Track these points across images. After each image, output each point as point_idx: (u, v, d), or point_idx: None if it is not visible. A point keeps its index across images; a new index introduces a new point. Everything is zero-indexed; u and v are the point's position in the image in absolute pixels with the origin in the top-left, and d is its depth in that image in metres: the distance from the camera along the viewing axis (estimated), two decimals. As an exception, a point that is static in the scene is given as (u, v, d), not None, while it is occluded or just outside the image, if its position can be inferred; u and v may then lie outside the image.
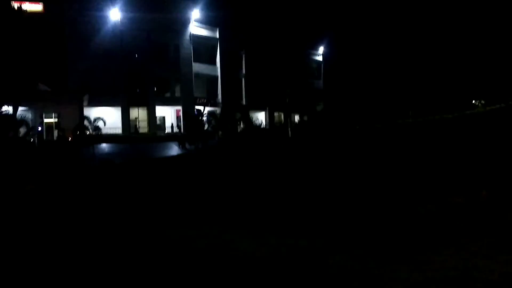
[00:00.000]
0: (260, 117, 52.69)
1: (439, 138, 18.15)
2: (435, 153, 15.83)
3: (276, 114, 57.79)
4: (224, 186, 15.09)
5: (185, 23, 47.67)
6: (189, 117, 34.27)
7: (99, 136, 32.34)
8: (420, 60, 50.02)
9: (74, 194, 15.59)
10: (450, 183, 11.66)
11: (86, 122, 30.61)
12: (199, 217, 9.92)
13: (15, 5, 34.90)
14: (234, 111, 47.60)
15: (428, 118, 24.96)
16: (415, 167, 14.49)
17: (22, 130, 31.73)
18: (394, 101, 45.77)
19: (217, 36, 51.25)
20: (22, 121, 30.30)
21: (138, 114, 45.89)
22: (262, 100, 53.24)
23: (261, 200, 11.71)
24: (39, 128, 37.51)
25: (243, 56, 54.24)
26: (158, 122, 47.03)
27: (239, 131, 46.86)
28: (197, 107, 46.60)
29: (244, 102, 53.25)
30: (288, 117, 58.77)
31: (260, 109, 54.59)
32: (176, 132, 45.10)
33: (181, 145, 29.08)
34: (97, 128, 29.67)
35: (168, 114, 48.04)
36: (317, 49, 65.07)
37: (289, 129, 40.94)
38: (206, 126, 32.96)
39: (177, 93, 48.23)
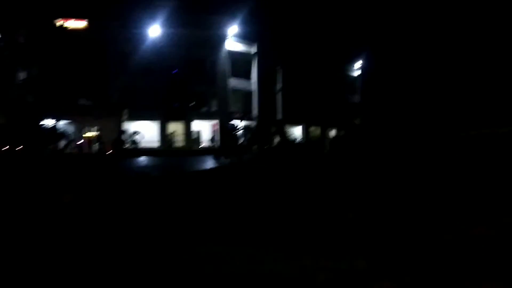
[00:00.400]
0: (296, 131, 52.56)
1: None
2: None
3: (312, 128, 57.36)
4: (258, 201, 14.84)
5: (222, 38, 48.25)
6: (225, 131, 34.44)
7: (137, 149, 32.92)
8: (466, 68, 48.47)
9: (110, 206, 15.70)
10: None
11: (124, 136, 31.22)
12: (232, 233, 9.69)
13: (60, 22, 36.29)
14: (270, 125, 47.69)
15: (496, 130, 23.36)
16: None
17: (63, 143, 32.76)
18: (440, 112, 44.43)
19: (254, 51, 51.55)
20: (63, 134, 31.22)
21: (175, 128, 46.52)
22: (298, 114, 53.01)
23: (297, 218, 11.37)
24: (80, 141, 38.57)
25: (280, 70, 54.28)
26: (194, 136, 47.47)
27: (274, 145, 46.79)
28: (232, 121, 46.90)
29: (279, 117, 53.14)
30: (325, 131, 58.46)
31: (295, 123, 54.33)
32: (212, 146, 45.42)
33: (217, 158, 29.14)
34: (135, 142, 30.24)
35: (204, 128, 48.47)
36: (354, 63, 64.46)
37: (326, 143, 40.52)
38: (241, 140, 33.05)
39: (213, 108, 48.66)
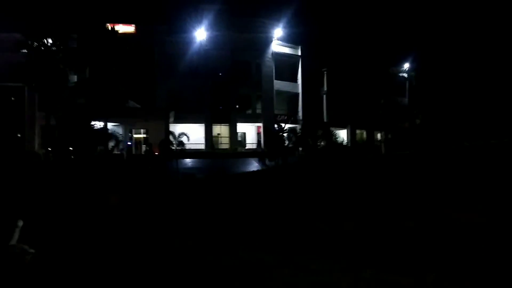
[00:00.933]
0: (342, 134, 51.56)
1: None
2: None
3: (358, 131, 56.21)
4: (304, 206, 14.37)
5: (267, 41, 48.08)
6: (270, 134, 34.16)
7: (183, 151, 33.19)
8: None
9: (156, 207, 15.64)
10: None
11: (171, 138, 31.56)
12: (278, 239, 9.27)
13: (109, 26, 37.11)
14: (315, 128, 46.97)
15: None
16: None
17: (112, 144, 33.47)
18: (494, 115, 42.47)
19: (299, 53, 51.12)
20: (111, 135, 31.91)
21: (220, 130, 46.77)
22: (344, 117, 52.04)
23: (348, 225, 10.83)
24: (129, 143, 39.43)
25: (325, 73, 53.54)
26: (239, 138, 47.53)
27: (319, 148, 45.97)
28: (277, 124, 46.55)
29: (325, 119, 52.35)
30: (371, 135, 57.11)
31: (341, 126, 53.32)
32: (257, 148, 45.34)
33: (261, 161, 28.93)
34: (181, 143, 30.48)
35: (249, 130, 48.48)
36: (402, 65, 62.59)
37: (382, 145, 39.41)
38: (286, 143, 32.64)
39: (258, 110, 48.58)
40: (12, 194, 16.18)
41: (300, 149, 37.74)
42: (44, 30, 32.21)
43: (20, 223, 7.70)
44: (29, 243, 7.84)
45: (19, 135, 41.60)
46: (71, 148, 29.19)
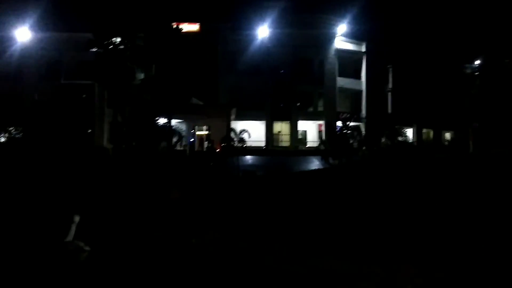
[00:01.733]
0: (408, 133, 49.61)
1: None
2: None
3: (424, 130, 53.86)
4: (371, 208, 13.57)
5: (330, 38, 47.10)
6: (334, 131, 33.39)
7: (244, 148, 33.23)
8: None
9: (217, 204, 15.45)
10: None
11: (232, 134, 31.69)
12: (348, 244, 8.58)
13: (174, 25, 37.87)
14: (379, 126, 45.52)
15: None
16: None
17: (175, 140, 34.17)
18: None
19: (363, 50, 49.69)
20: (174, 131, 32.49)
21: (281, 128, 46.45)
22: (410, 116, 49.95)
23: (423, 229, 9.95)
24: (191, 139, 40.06)
25: (390, 69, 51.71)
26: (299, 136, 46.98)
27: (384, 147, 44.55)
28: (339, 122, 45.57)
29: (390, 118, 50.54)
30: (439, 134, 54.57)
31: (407, 125, 51.21)
32: (318, 147, 44.56)
33: (324, 159, 28.30)
34: (242, 140, 30.50)
35: (310, 128, 47.77)
36: (472, 62, 59.09)
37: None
38: (350, 141, 31.79)
39: (320, 108, 47.75)
40: (73, 189, 16.62)
41: (364, 148, 36.68)
42: (113, 29, 33.39)
43: (77, 218, 7.59)
44: (85, 239, 7.75)
45: (89, 131, 43.56)
46: (134, 143, 30.01)
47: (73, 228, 7.68)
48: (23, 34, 42.14)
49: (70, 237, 7.53)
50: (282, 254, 7.93)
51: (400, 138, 46.73)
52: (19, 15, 40.55)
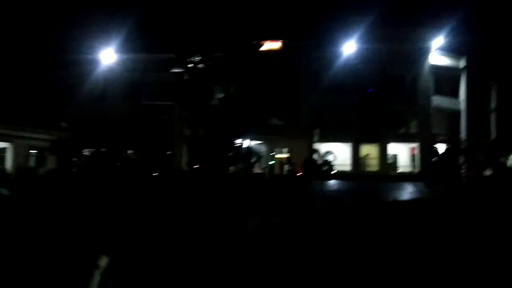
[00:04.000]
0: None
1: None
2: None
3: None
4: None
5: (425, 52, 42.97)
6: (437, 153, 29.23)
7: (329, 171, 30.27)
8: None
9: (298, 233, 13.18)
10: None
11: (315, 156, 28.88)
12: None
13: (255, 42, 36.27)
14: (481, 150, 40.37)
15: None
16: None
17: (254, 162, 32.10)
18: None
19: (462, 65, 44.80)
20: (253, 152, 30.42)
21: (369, 151, 42.71)
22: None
23: None
24: (272, 162, 37.85)
25: (494, 86, 46.08)
26: (390, 160, 42.90)
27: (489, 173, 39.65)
28: (437, 145, 41.11)
29: (493, 139, 44.87)
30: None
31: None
32: (412, 172, 40.40)
33: (428, 186, 24.51)
34: (328, 162, 27.50)
35: (401, 151, 43.54)
36: None
37: None
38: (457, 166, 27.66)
39: (413, 129, 43.45)
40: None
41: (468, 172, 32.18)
42: (193, 48, 32.46)
43: (104, 262, 5.20)
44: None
45: (169, 153, 42.93)
46: (209, 165, 28.27)
47: (97, 276, 5.34)
48: (107, 56, 42.96)
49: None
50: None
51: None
52: (103, 37, 41.41)
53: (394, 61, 42.24)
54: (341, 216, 18.06)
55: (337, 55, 42.31)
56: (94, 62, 43.29)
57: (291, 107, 40.47)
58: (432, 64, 43.15)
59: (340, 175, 34.43)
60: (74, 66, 44.31)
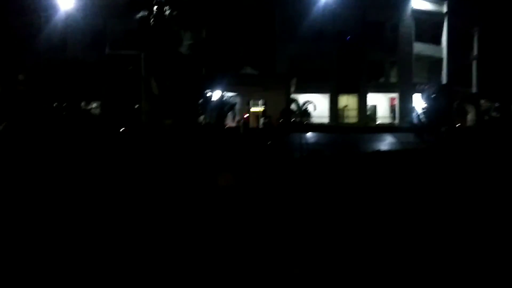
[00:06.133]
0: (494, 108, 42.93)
1: None
2: None
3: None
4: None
5: (406, -4, 40.63)
6: (433, 101, 27.34)
7: (307, 124, 28.44)
8: None
9: (277, 191, 12.30)
10: None
11: (293, 107, 26.88)
12: None
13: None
14: (462, 100, 39.20)
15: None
16: None
17: (229, 116, 30.08)
18: None
19: (444, 10, 42.67)
20: (225, 104, 28.27)
21: (348, 101, 40.87)
22: (497, 88, 42.86)
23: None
24: (246, 115, 35.66)
25: (476, 33, 44.44)
26: (369, 111, 41.26)
27: (468, 124, 38.91)
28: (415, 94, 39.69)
29: (473, 90, 43.72)
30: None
31: (493, 99, 44.24)
32: (390, 123, 39.12)
33: (418, 135, 23.06)
34: (307, 113, 25.51)
35: (380, 102, 41.94)
36: None
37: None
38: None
39: (393, 79, 41.71)
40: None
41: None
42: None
43: None
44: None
45: (136, 106, 40.16)
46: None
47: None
48: (65, 1, 39.14)
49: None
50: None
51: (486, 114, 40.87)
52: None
53: (374, 7, 39.79)
54: (323, 170, 16.54)
55: (315, 0, 39.52)
56: (52, 8, 39.39)
57: (266, 55, 37.95)
58: (413, 9, 40.90)
59: (319, 127, 32.77)
60: (30, 12, 40.37)
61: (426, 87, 36.84)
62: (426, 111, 25.44)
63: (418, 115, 28.34)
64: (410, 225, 8.39)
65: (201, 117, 27.01)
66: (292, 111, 27.11)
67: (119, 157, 17.96)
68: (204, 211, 10.03)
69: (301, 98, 36.69)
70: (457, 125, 34.64)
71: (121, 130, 29.41)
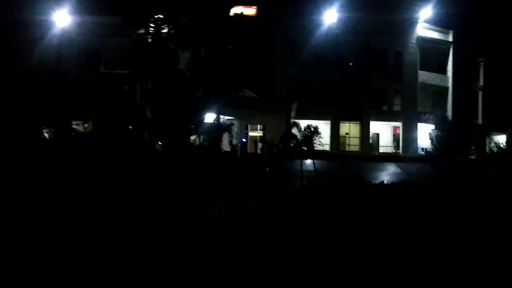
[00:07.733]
0: (500, 140, 41.60)
1: None
2: None
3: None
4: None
5: (411, 24, 39.82)
6: (445, 132, 25.94)
7: (305, 151, 26.87)
8: None
9: (274, 222, 11.59)
10: None
11: (295, 131, 25.41)
12: None
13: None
14: (467, 131, 37.84)
15: None
16: None
17: (225, 140, 28.57)
18: None
19: (450, 39, 41.82)
20: (222, 127, 26.74)
21: (349, 129, 39.47)
22: (505, 119, 41.64)
23: None
24: (244, 140, 34.23)
25: (482, 64, 43.49)
26: (372, 139, 39.87)
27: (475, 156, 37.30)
28: (420, 124, 38.38)
29: (480, 121, 42.45)
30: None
31: (500, 130, 42.95)
32: (394, 153, 37.66)
33: (434, 165, 21.68)
34: (309, 139, 23.94)
35: (383, 131, 40.58)
36: None
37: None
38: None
39: (396, 107, 40.51)
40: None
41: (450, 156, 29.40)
42: (156, 9, 28.32)
43: None
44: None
45: (130, 127, 38.75)
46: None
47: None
48: (61, 18, 38.21)
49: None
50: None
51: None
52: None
53: (378, 33, 38.94)
54: (324, 199, 15.09)
55: (317, 24, 38.64)
56: (47, 25, 38.49)
57: (266, 78, 36.72)
58: (419, 37, 39.99)
59: (320, 154, 31.25)
60: (25, 28, 39.46)
61: (426, 116, 35.55)
62: (441, 140, 24.08)
63: (426, 147, 26.99)
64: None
65: (196, 140, 25.40)
66: (293, 136, 25.64)
67: (103, 182, 16.32)
68: (189, 247, 8.55)
69: (302, 124, 35.33)
70: (471, 156, 33.30)
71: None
